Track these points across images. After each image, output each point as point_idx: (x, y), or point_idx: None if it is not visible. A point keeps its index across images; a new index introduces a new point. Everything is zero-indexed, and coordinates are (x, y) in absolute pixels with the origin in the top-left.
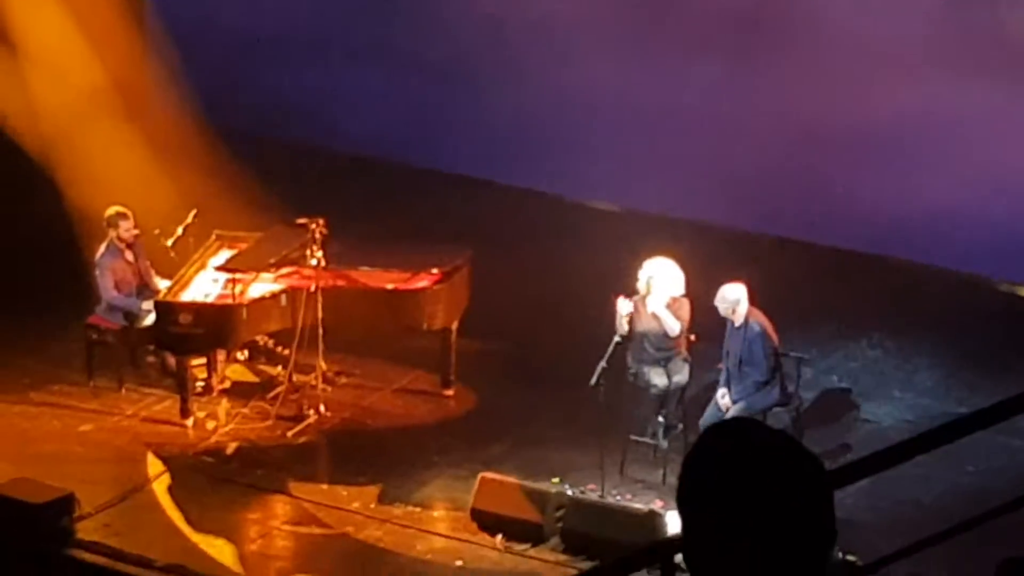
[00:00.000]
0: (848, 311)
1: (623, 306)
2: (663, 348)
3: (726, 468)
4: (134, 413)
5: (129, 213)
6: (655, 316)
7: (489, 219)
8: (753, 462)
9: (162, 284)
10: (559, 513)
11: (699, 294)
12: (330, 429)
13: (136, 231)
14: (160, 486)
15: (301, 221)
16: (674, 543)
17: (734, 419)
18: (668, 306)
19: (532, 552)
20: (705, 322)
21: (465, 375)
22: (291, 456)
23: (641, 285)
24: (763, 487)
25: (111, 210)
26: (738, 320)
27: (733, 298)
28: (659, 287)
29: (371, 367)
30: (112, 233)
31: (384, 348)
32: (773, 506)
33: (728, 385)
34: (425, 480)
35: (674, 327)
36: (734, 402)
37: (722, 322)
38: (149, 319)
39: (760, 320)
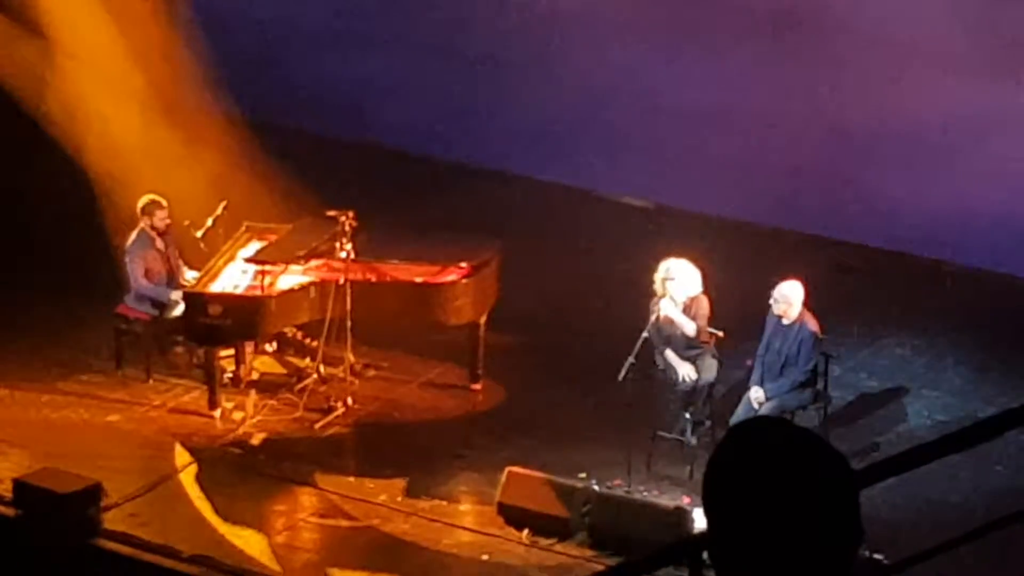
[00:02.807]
0: (876, 309)
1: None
2: (690, 347)
3: (753, 465)
4: (162, 403)
5: (164, 202)
6: (668, 319)
7: (519, 213)
8: (780, 460)
9: (189, 275)
10: (586, 508)
11: (727, 291)
12: (357, 422)
13: (169, 220)
14: (187, 477)
15: (331, 213)
16: (701, 540)
17: (761, 417)
18: (686, 306)
19: (558, 547)
20: (731, 319)
21: (493, 369)
22: (318, 448)
23: (657, 287)
24: (790, 485)
25: (146, 198)
26: (789, 318)
27: (791, 296)
28: (673, 288)
29: (399, 360)
30: (146, 221)
31: (412, 341)
32: (800, 504)
33: (761, 382)
34: (452, 474)
35: (689, 328)
36: (767, 399)
37: (748, 319)
38: (178, 309)
39: (812, 322)
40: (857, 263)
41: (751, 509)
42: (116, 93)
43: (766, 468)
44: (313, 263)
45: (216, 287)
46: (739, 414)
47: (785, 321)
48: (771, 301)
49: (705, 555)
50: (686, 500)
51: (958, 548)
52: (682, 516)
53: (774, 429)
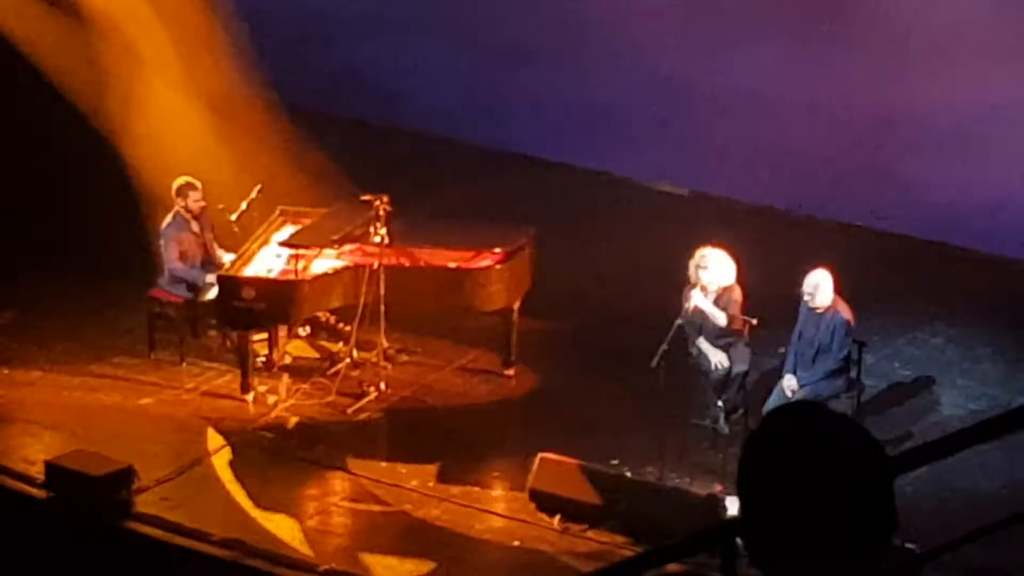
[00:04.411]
0: (911, 298)
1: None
2: (722, 335)
3: (789, 450)
4: (194, 387)
5: (198, 184)
6: (699, 310)
7: (554, 199)
8: (816, 445)
9: (226, 257)
10: (617, 495)
11: (761, 279)
12: (390, 407)
13: (203, 203)
14: (219, 460)
15: (365, 198)
16: (734, 525)
17: (798, 402)
18: (718, 295)
19: (589, 534)
20: (765, 307)
21: (526, 355)
22: (351, 433)
23: (690, 274)
24: (825, 470)
25: (180, 180)
26: (820, 307)
27: (819, 285)
28: (705, 277)
29: (432, 345)
30: (180, 203)
31: (445, 327)
32: (835, 490)
33: (794, 370)
34: (484, 459)
35: (719, 319)
36: (800, 387)
37: (781, 307)
38: (212, 292)
39: (845, 310)
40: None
41: (786, 494)
42: (153, 77)
43: (801, 452)
44: (347, 247)
45: (250, 271)
46: (772, 402)
47: (818, 309)
48: (805, 296)
49: (738, 541)
50: (719, 488)
51: (989, 537)
52: (714, 504)
53: (810, 414)
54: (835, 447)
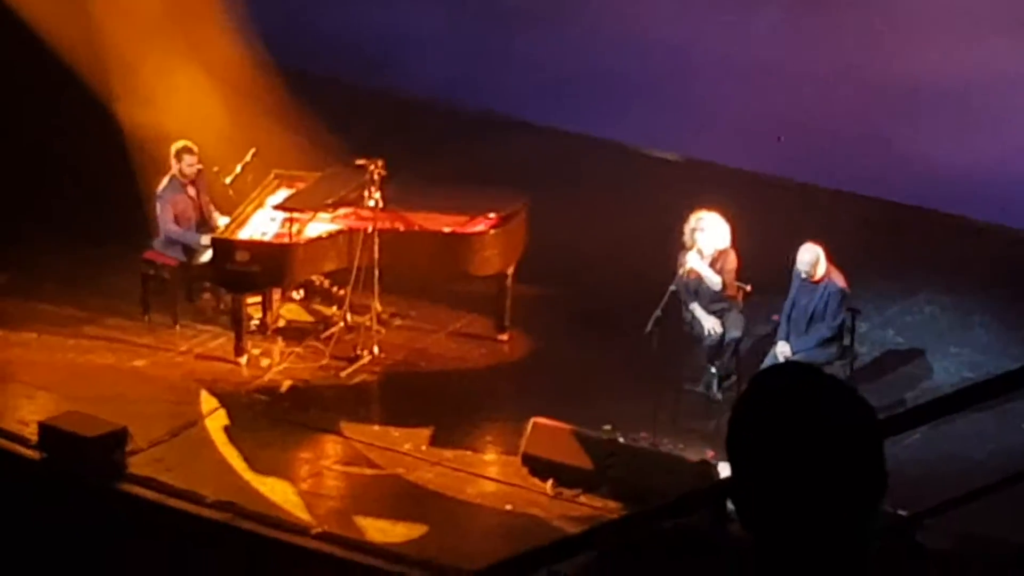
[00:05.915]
0: (905, 266)
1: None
2: (716, 301)
3: (778, 411)
4: (188, 349)
5: (195, 148)
6: (695, 273)
7: (549, 164)
8: (805, 406)
9: (222, 220)
10: (610, 460)
11: (755, 246)
12: (383, 370)
13: (199, 166)
14: (212, 423)
15: (360, 162)
16: (725, 487)
17: (787, 363)
18: (714, 259)
19: (582, 498)
20: (759, 274)
21: (520, 320)
22: (344, 396)
23: (686, 238)
24: (815, 431)
25: (177, 144)
26: (816, 278)
27: (810, 259)
28: (702, 240)
29: (426, 310)
30: (176, 167)
31: (439, 291)
32: (824, 451)
33: (787, 337)
34: (477, 423)
35: (714, 281)
36: (794, 354)
37: (776, 274)
38: (206, 255)
39: (840, 278)
40: None
41: (775, 455)
42: (150, 40)
43: (791, 414)
44: (341, 211)
45: (244, 234)
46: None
47: (814, 278)
48: (803, 274)
49: (729, 503)
50: (711, 454)
51: (979, 502)
52: (707, 469)
53: (800, 375)
54: (824, 407)
